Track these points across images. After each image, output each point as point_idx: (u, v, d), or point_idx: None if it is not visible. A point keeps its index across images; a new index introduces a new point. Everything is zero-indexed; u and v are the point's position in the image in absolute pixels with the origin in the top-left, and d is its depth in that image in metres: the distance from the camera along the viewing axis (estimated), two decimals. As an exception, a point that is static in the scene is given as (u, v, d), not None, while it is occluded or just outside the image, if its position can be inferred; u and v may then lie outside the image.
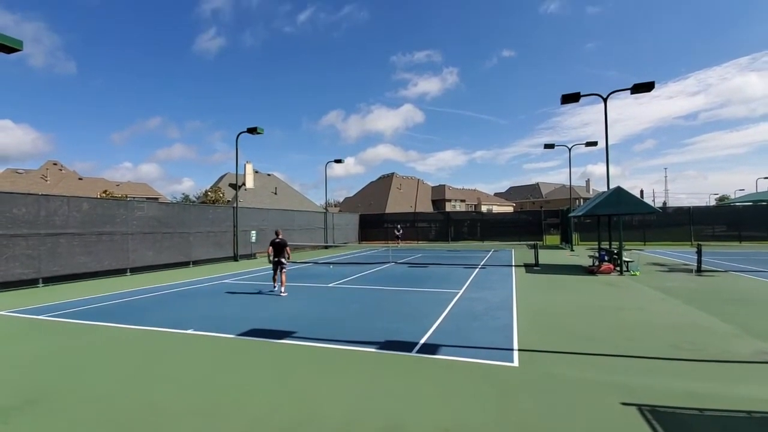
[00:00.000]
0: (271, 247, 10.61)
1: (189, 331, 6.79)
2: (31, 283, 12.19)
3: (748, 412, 3.63)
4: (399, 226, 33.47)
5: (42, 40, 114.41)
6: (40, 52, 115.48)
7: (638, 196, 16.08)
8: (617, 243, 13.85)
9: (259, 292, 10.80)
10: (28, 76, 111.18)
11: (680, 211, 29.71)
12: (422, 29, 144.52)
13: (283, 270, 10.48)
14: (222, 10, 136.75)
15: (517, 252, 23.49)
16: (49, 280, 12.65)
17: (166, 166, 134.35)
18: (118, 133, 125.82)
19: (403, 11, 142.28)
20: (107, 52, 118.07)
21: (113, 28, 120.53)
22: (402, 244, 32.00)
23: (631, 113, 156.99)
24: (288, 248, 10.70)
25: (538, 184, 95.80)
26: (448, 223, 35.91)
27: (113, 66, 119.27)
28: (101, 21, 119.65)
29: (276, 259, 10.51)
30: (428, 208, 67.45)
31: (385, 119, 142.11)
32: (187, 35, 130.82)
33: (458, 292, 10.19)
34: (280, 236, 10.81)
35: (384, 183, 70.28)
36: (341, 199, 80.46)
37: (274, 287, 10.80)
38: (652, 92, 13.82)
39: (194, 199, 54.62)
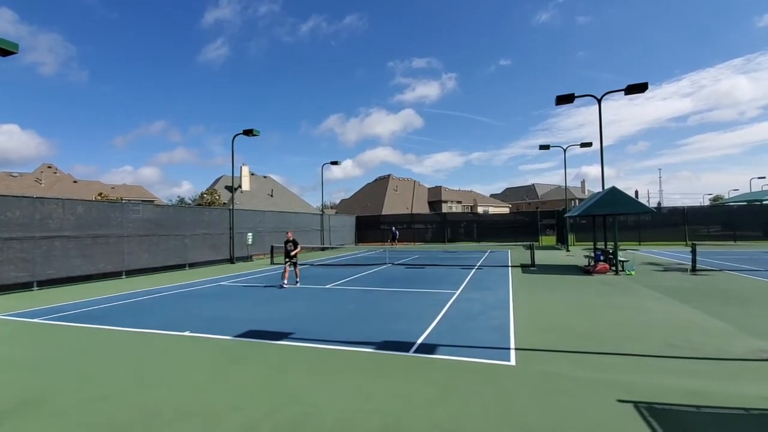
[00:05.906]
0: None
1: (185, 333, 6.75)
2: (26, 286, 12.07)
3: (746, 409, 3.65)
4: (394, 228, 33.71)
5: (57, 50, 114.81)
6: (54, 62, 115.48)
7: (633, 196, 16.17)
8: (612, 243, 13.92)
9: (256, 294, 10.76)
10: (39, 83, 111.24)
11: (675, 211, 29.91)
12: (421, 39, 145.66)
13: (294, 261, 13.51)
14: (228, 21, 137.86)
15: (514, 253, 23.55)
16: (44, 283, 12.53)
17: (166, 170, 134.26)
18: (122, 136, 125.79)
19: (401, 22, 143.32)
20: (118, 62, 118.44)
21: (126, 39, 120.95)
22: (397, 246, 32.06)
23: (626, 114, 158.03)
24: (292, 246, 13.01)
25: (533, 185, 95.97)
26: (444, 225, 35.98)
27: (122, 75, 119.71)
28: (116, 33, 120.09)
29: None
30: (424, 209, 67.35)
31: (384, 123, 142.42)
32: (194, 45, 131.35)
33: (455, 293, 10.19)
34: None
35: (380, 185, 70.17)
36: (338, 201, 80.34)
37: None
38: (647, 93, 13.93)
39: (190, 201, 54.41)
